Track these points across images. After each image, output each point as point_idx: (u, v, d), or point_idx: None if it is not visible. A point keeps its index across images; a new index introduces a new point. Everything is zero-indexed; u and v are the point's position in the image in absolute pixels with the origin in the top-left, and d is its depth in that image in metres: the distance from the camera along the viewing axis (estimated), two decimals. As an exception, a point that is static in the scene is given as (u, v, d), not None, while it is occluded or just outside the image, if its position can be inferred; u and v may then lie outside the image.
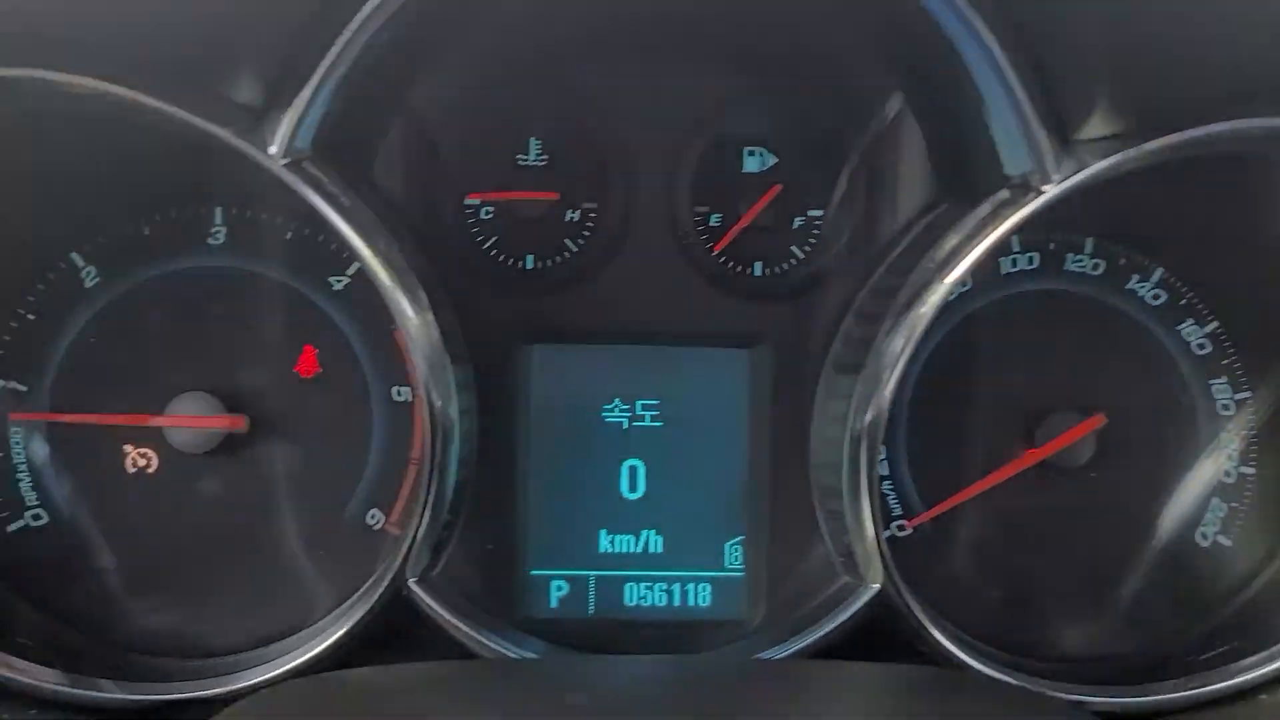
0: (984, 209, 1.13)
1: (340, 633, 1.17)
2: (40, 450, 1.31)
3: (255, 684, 1.15)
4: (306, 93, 1.04)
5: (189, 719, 1.21)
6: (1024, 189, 1.10)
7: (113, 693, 1.14)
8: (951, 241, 1.16)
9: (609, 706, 0.89)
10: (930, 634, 1.22)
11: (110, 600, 1.30)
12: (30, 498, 1.30)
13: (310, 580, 1.32)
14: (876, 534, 1.20)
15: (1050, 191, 1.07)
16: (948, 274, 1.14)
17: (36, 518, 1.30)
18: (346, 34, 1.02)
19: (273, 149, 1.05)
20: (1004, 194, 1.14)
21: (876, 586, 1.23)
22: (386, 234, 1.12)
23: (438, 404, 1.14)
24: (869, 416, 1.17)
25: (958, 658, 1.22)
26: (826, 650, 1.26)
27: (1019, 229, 1.11)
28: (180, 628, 1.30)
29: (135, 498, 1.31)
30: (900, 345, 1.16)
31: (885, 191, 1.32)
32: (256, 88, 1.06)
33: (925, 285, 1.14)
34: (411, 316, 1.12)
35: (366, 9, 1.01)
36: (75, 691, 1.13)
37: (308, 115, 1.05)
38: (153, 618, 1.30)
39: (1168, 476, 1.38)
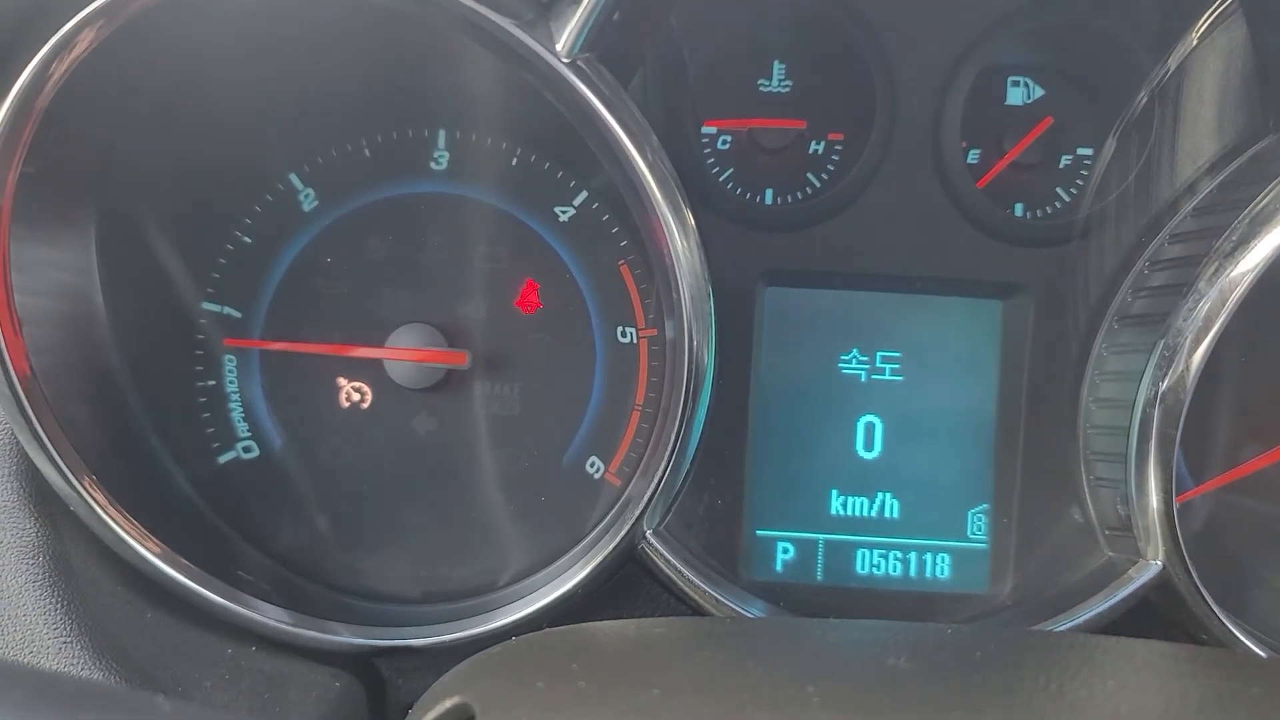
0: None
1: (572, 582, 1.09)
2: (253, 380, 1.25)
3: (487, 631, 1.07)
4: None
5: (404, 664, 1.16)
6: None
7: (342, 635, 1.08)
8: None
9: (933, 670, 0.79)
10: (1216, 619, 1.09)
11: (320, 539, 1.24)
12: (242, 429, 1.25)
13: (525, 528, 1.24)
14: (1166, 506, 1.07)
15: None
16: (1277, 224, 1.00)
17: (247, 450, 1.25)
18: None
19: (559, 45, 0.96)
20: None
21: (1158, 564, 1.10)
22: (657, 149, 1.02)
23: (695, 342, 1.04)
24: (1171, 379, 1.04)
25: (1241, 643, 1.09)
26: (1095, 630, 1.13)
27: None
28: (389, 570, 1.24)
29: (348, 434, 1.25)
30: (1215, 301, 1.02)
31: (1180, 131, 1.18)
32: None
33: (1253, 234, 1.00)
34: (679, 242, 1.02)
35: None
36: (303, 632, 1.07)
37: (594, 13, 0.95)
38: (362, 560, 1.24)
39: None
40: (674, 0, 1.14)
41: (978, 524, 1.27)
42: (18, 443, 1.04)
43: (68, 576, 1.02)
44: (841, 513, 1.28)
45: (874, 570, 1.27)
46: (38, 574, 1.01)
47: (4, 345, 0.96)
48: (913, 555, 1.28)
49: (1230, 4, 1.12)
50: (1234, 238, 1.01)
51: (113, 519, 1.02)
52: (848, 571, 1.27)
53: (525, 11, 0.97)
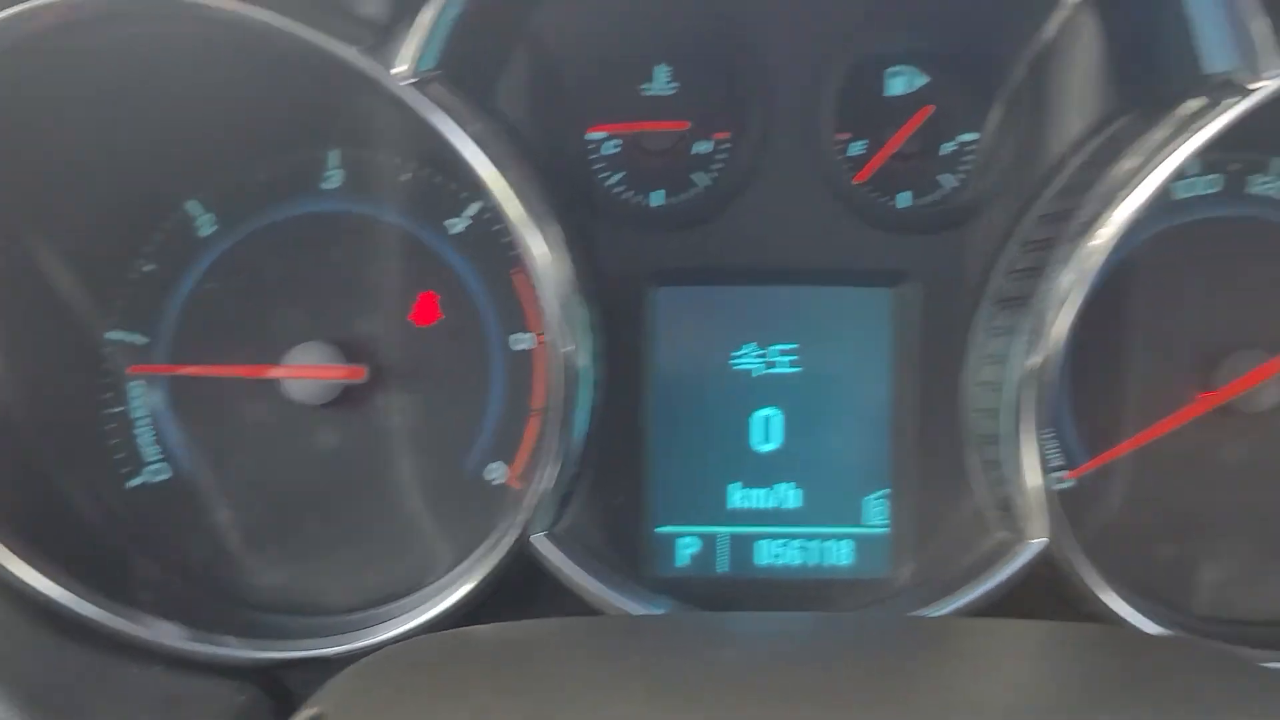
0: (1176, 117, 1.00)
1: (465, 589, 1.12)
2: (160, 403, 1.28)
3: (379, 642, 1.10)
4: (435, 6, 0.96)
5: (310, 677, 1.18)
6: (1225, 91, 0.96)
7: (236, 649, 1.11)
8: (1133, 160, 1.03)
9: (760, 662, 0.81)
10: (1097, 595, 1.11)
11: (229, 555, 1.27)
12: (151, 452, 1.28)
13: (430, 536, 1.27)
14: (1042, 483, 1.09)
15: (1261, 90, 0.93)
16: (1128, 197, 1.02)
17: (157, 472, 1.28)
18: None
19: (398, 68, 0.98)
20: (1195, 102, 1.01)
21: (1042, 541, 1.12)
22: (517, 163, 1.04)
23: (568, 348, 1.07)
24: (1038, 356, 1.06)
25: (1128, 619, 1.11)
26: (982, 611, 1.16)
27: (1216, 142, 0.97)
28: (298, 583, 1.27)
29: (254, 451, 1.27)
30: (1072, 278, 1.04)
31: (1052, 109, 1.19)
32: (380, 4, 0.99)
33: (1101, 211, 1.02)
34: (543, 252, 1.04)
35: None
36: (198, 647, 1.10)
37: (436, 31, 0.97)
38: (271, 573, 1.27)
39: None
40: (523, 17, 1.16)
41: (878, 509, 1.29)
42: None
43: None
44: (742, 505, 1.30)
45: (775, 560, 1.29)
46: None
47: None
48: (814, 543, 1.30)
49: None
50: (1083, 217, 1.03)
51: (4, 555, 1.05)
52: (749, 563, 1.29)
53: (366, 36, 0.99)
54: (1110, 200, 1.01)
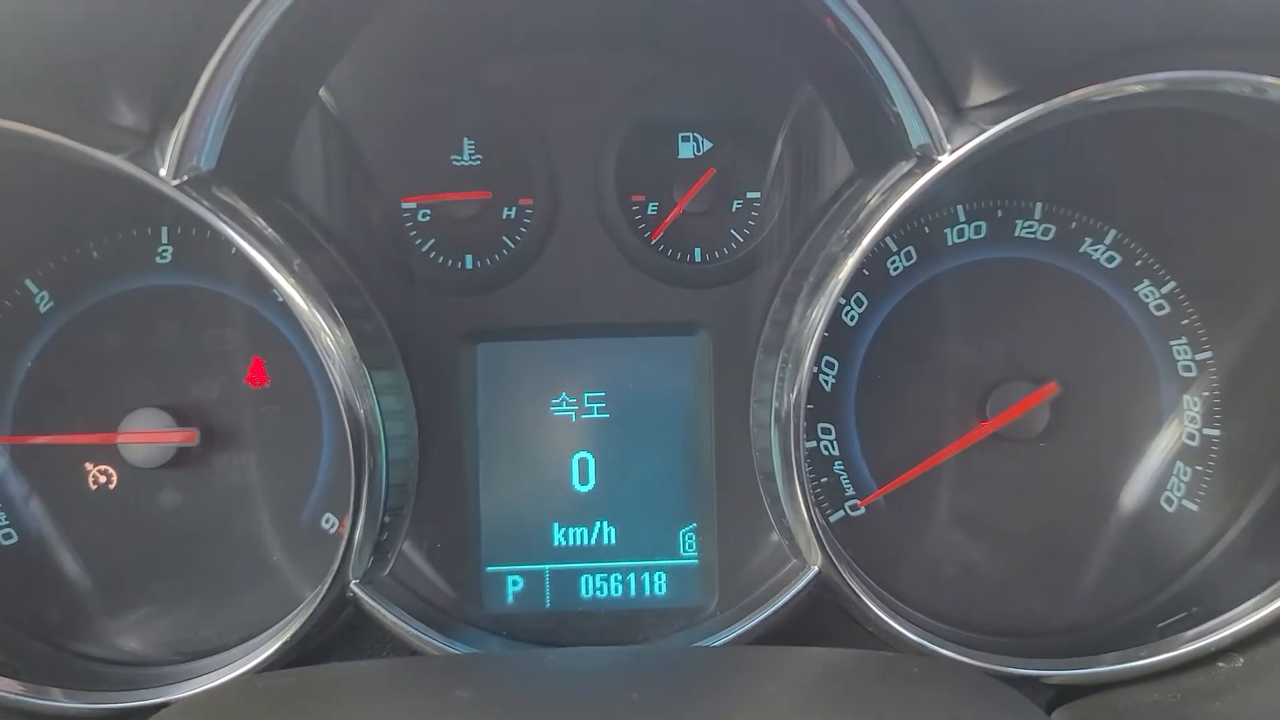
0: (886, 181, 1.11)
1: (287, 635, 1.19)
2: (5, 470, 1.35)
3: (200, 690, 1.17)
4: (190, 110, 1.05)
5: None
6: (926, 160, 1.07)
7: (58, 700, 1.18)
8: (860, 216, 1.14)
9: (492, 701, 0.90)
10: (873, 612, 1.21)
11: (75, 613, 1.34)
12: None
13: (271, 585, 1.34)
14: (809, 516, 1.19)
15: (945, 160, 1.05)
16: (855, 246, 1.12)
17: (6, 537, 1.35)
18: (224, 45, 1.03)
19: (163, 171, 1.07)
20: (906, 165, 1.12)
21: (815, 569, 1.22)
22: (299, 248, 1.13)
23: (358, 410, 1.15)
24: (793, 395, 1.16)
25: (903, 636, 1.20)
26: (777, 632, 1.25)
27: (919, 199, 1.08)
28: (139, 638, 1.34)
29: (97, 513, 1.35)
30: (816, 318, 1.14)
31: (808, 171, 1.31)
32: (140, 111, 1.07)
33: (835, 259, 1.13)
34: (323, 329, 1.13)
35: (242, 18, 1.01)
36: (25, 699, 1.17)
37: (193, 134, 1.06)
38: (114, 627, 1.34)
39: (1128, 442, 1.35)
40: (300, 113, 1.25)
41: (688, 542, 1.39)
42: None
43: None
44: (564, 543, 1.39)
45: (597, 593, 1.39)
46: None
47: None
48: (631, 576, 1.39)
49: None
50: (817, 272, 1.14)
51: None
52: (573, 596, 1.38)
53: (132, 142, 1.08)
54: (840, 250, 1.11)
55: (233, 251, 1.33)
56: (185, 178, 1.07)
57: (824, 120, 1.28)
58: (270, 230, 1.12)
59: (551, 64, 1.33)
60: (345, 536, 1.19)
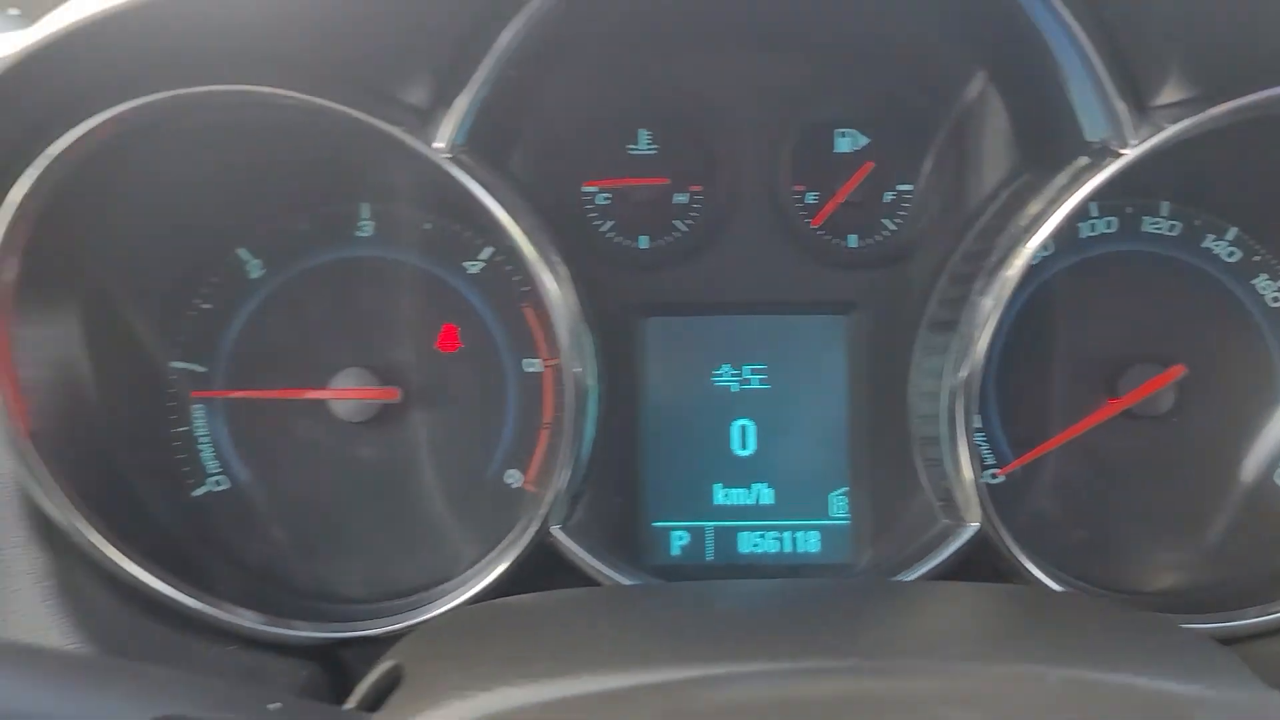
0: (1064, 176, 1.24)
1: (495, 573, 1.32)
2: (219, 423, 1.48)
3: (425, 620, 1.29)
4: (467, 95, 1.20)
5: (361, 654, 1.37)
6: (1103, 154, 1.20)
7: (305, 630, 1.30)
8: (1035, 207, 1.27)
9: (747, 614, 1.02)
10: (1026, 568, 1.33)
11: (283, 555, 1.46)
12: (212, 466, 1.47)
13: (456, 534, 1.47)
14: (975, 477, 1.31)
15: (1128, 155, 1.17)
16: (1032, 237, 1.25)
17: (218, 483, 1.47)
18: (503, 40, 1.17)
19: (438, 144, 1.21)
20: (1083, 160, 1.24)
21: (975, 526, 1.34)
22: (528, 215, 1.26)
23: (577, 369, 1.28)
24: (964, 371, 1.29)
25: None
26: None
27: (1099, 193, 1.21)
28: (342, 578, 1.46)
29: (303, 463, 1.47)
30: (990, 304, 1.27)
31: (972, 164, 1.43)
32: (424, 91, 1.22)
33: (1012, 248, 1.26)
34: (553, 288, 1.26)
35: (520, 19, 1.16)
36: (271, 629, 1.29)
37: (467, 114, 1.20)
38: (319, 569, 1.46)
39: (1245, 422, 1.47)
40: (533, 102, 1.39)
41: (840, 504, 1.51)
42: (21, 489, 1.27)
43: (74, 596, 1.24)
44: (725, 503, 1.51)
45: (754, 548, 1.51)
46: (49, 596, 1.23)
47: (12, 412, 1.19)
48: (787, 535, 1.51)
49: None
50: (998, 254, 1.27)
51: (106, 547, 1.24)
52: (733, 551, 1.51)
53: (410, 117, 1.22)
54: (1019, 239, 1.24)
55: (426, 228, 1.48)
56: (451, 153, 1.21)
57: (989, 116, 1.41)
58: (511, 198, 1.25)
59: (735, 65, 1.46)
60: (552, 487, 1.32)
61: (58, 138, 1.15)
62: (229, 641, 1.29)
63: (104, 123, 1.17)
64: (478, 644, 1.01)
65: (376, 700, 0.95)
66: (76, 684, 0.80)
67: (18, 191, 1.16)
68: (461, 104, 1.20)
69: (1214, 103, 1.16)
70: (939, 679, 0.85)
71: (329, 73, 1.17)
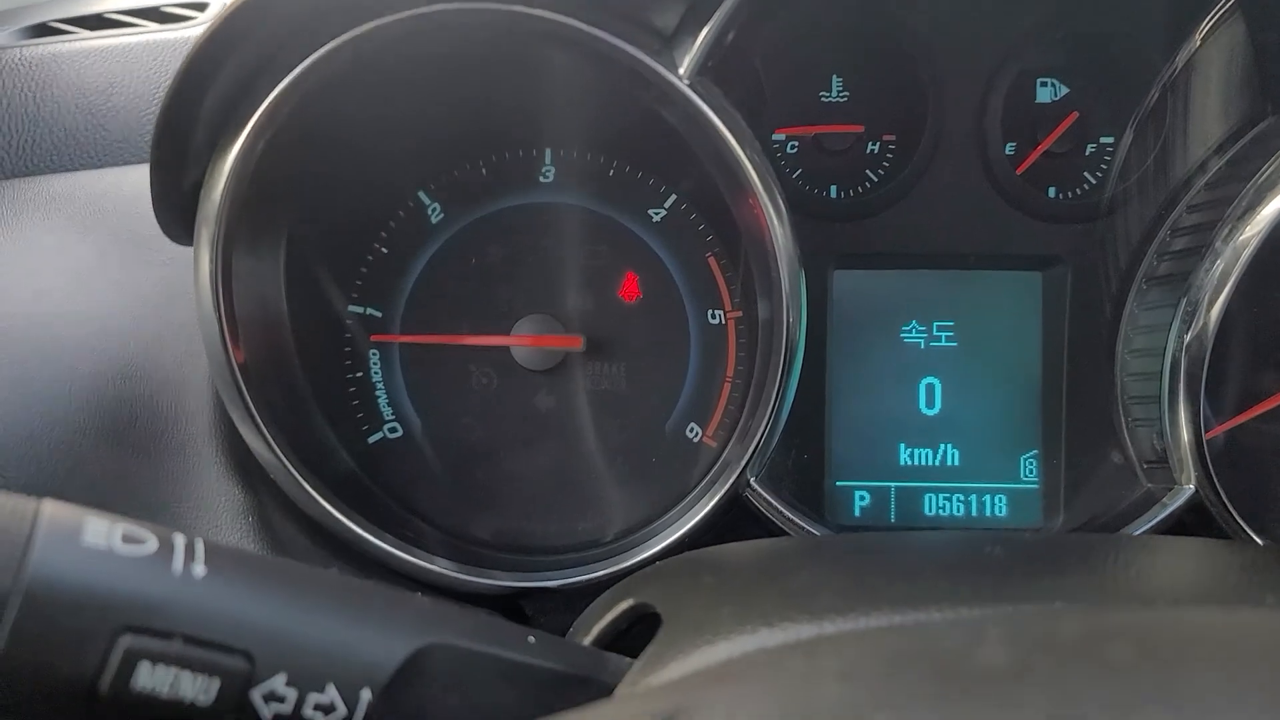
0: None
1: (690, 524, 1.28)
2: (395, 370, 1.45)
3: (611, 572, 1.25)
4: (714, 20, 1.15)
5: (544, 604, 1.34)
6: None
7: (498, 579, 1.27)
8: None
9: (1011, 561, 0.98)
10: (1244, 529, 1.27)
11: (459, 504, 1.43)
12: (387, 412, 1.45)
13: (637, 485, 1.43)
14: (1197, 438, 1.26)
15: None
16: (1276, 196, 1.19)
17: (393, 430, 1.44)
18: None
19: (682, 70, 1.17)
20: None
21: (1191, 488, 1.28)
22: (758, 152, 1.22)
23: (791, 319, 1.24)
24: (1195, 330, 1.23)
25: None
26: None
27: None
28: (519, 527, 1.43)
29: (479, 412, 1.44)
30: (1229, 260, 1.21)
31: (1194, 114, 1.37)
32: (672, 17, 1.18)
33: (1259, 200, 1.19)
34: (779, 230, 1.22)
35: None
36: (470, 578, 1.26)
37: (711, 44, 1.16)
38: (495, 520, 1.43)
39: None
40: (764, 31, 1.34)
41: (1029, 467, 1.46)
42: (221, 427, 1.25)
43: (270, 532, 1.22)
44: (910, 463, 1.46)
45: (939, 512, 1.46)
46: (248, 531, 1.21)
47: (228, 342, 1.17)
48: (973, 497, 1.46)
49: (1229, 6, 1.31)
50: (1243, 204, 1.20)
51: (306, 484, 1.22)
52: (917, 513, 1.46)
53: (653, 42, 1.18)
54: (1268, 190, 1.18)
55: (609, 174, 1.44)
56: (690, 80, 1.16)
57: (1216, 64, 1.34)
58: (746, 131, 1.21)
59: (941, 11, 1.40)
60: (754, 443, 1.27)
61: (295, 66, 1.12)
62: (413, 587, 1.27)
63: (320, 59, 1.14)
64: (716, 587, 0.97)
65: (614, 640, 0.92)
66: (346, 606, 0.77)
67: (251, 122, 1.14)
68: (708, 32, 1.16)
69: None
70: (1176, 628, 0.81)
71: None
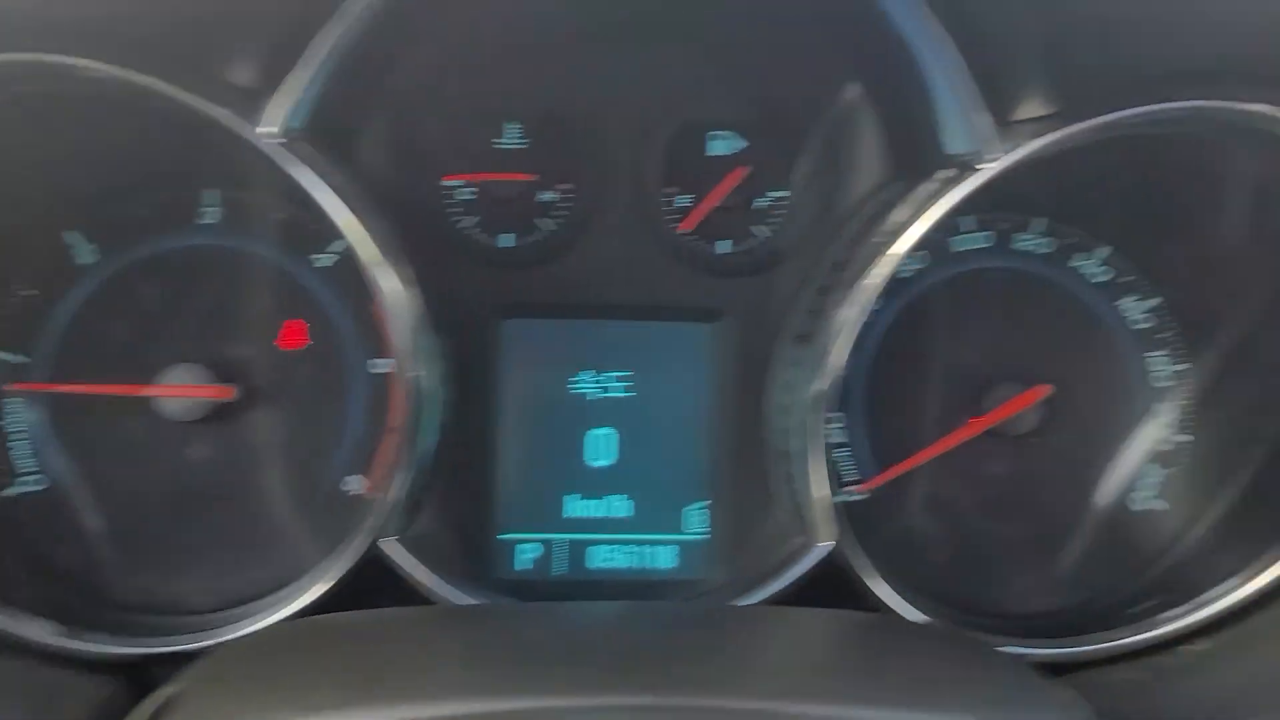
0: (929, 186, 1.20)
1: (318, 589, 1.24)
2: (38, 418, 1.38)
3: (234, 637, 1.21)
4: (302, 75, 1.12)
5: (172, 671, 1.28)
6: (966, 167, 1.17)
7: (106, 645, 1.21)
8: (899, 216, 1.23)
9: (572, 641, 0.97)
10: (878, 589, 1.29)
11: (101, 560, 1.37)
12: (27, 464, 1.37)
13: (292, 542, 1.39)
14: (828, 495, 1.28)
15: (989, 170, 1.14)
16: (893, 246, 1.22)
17: (38, 482, 1.37)
18: (339, 17, 1.10)
19: (268, 129, 1.12)
20: (948, 172, 1.21)
21: (829, 545, 1.30)
22: (372, 211, 1.19)
23: (417, 372, 1.21)
24: (820, 384, 1.25)
25: (905, 612, 1.30)
26: (781, 604, 1.33)
27: (962, 206, 1.18)
28: (165, 586, 1.37)
29: (128, 463, 1.38)
30: (849, 314, 1.23)
31: (844, 172, 1.40)
32: (253, 70, 1.14)
33: (873, 258, 1.22)
34: (395, 289, 1.19)
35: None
36: (69, 643, 1.20)
37: (301, 97, 1.12)
38: (140, 576, 1.37)
39: (1108, 443, 1.46)
40: (379, 84, 1.31)
41: (699, 518, 1.47)
42: None
43: None
44: (577, 514, 1.45)
45: (606, 563, 1.45)
46: None
47: None
48: (644, 548, 1.46)
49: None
50: (858, 264, 1.23)
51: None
52: (582, 566, 1.45)
53: (237, 98, 1.14)
54: (880, 248, 1.20)
55: (274, 217, 1.40)
56: (283, 138, 1.12)
57: (862, 124, 1.37)
58: (349, 191, 1.18)
59: (610, 59, 1.40)
60: (386, 493, 1.24)
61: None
62: (24, 656, 1.20)
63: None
64: (269, 669, 0.94)
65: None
66: None
67: None
68: (294, 85, 1.12)
69: (1072, 120, 1.13)
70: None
71: (149, 46, 1.08)
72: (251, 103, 1.14)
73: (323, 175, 1.16)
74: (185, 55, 1.11)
